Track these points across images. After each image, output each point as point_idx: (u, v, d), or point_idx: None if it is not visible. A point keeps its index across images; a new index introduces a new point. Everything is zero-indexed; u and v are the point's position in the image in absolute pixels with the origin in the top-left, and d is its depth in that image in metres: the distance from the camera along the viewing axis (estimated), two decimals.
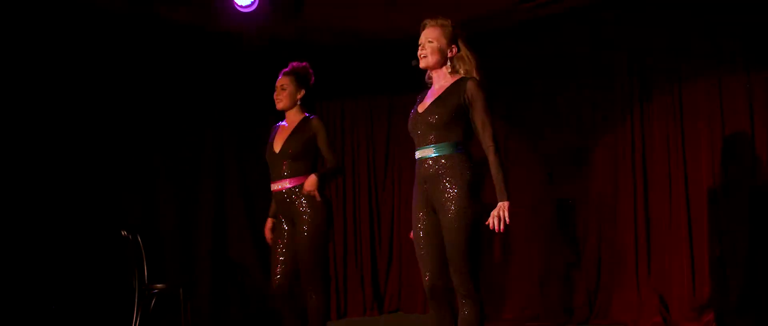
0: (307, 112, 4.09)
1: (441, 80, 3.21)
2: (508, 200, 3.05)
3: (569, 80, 5.75)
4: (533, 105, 5.93)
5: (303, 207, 3.91)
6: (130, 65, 5.63)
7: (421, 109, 3.20)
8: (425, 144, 3.13)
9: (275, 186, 4.00)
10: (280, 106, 4.06)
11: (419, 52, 3.22)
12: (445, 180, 3.07)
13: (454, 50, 3.19)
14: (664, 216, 5.24)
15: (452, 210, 3.05)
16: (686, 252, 5.06)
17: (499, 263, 6.01)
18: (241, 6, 4.90)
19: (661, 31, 5.30)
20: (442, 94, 3.15)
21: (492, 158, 3.07)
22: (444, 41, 3.18)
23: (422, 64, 3.22)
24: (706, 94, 5.06)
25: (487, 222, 3.06)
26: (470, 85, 3.09)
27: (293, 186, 3.93)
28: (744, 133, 4.88)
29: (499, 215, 3.04)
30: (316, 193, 3.81)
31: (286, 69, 4.08)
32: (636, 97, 5.45)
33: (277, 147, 4.00)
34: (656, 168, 5.31)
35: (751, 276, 4.75)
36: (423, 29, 3.23)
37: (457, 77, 3.18)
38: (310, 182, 3.81)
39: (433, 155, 3.11)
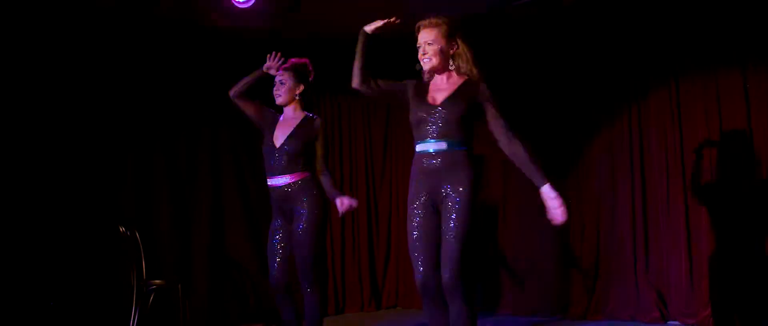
0: (307, 109, 4.12)
1: (447, 78, 3.24)
2: (548, 181, 3.07)
3: (566, 78, 5.76)
4: (530, 103, 5.93)
5: (299, 203, 3.92)
6: (126, 63, 5.62)
7: (431, 102, 3.20)
8: (434, 137, 3.14)
9: (272, 181, 4.01)
10: (278, 101, 4.10)
11: (420, 56, 3.24)
12: (451, 176, 3.09)
13: (455, 47, 3.21)
14: (662, 212, 5.25)
15: (456, 208, 3.05)
16: (684, 247, 5.07)
17: (497, 258, 6.02)
18: (238, 2, 4.90)
19: (658, 27, 5.30)
20: (456, 91, 3.18)
21: (522, 147, 3.11)
22: (443, 41, 3.20)
23: (427, 67, 3.24)
24: (703, 91, 5.07)
25: (552, 219, 3.05)
26: (484, 89, 3.16)
27: (291, 182, 3.95)
28: (741, 130, 4.89)
29: (557, 205, 3.03)
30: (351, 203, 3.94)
31: (286, 65, 4.10)
32: (633, 94, 5.45)
33: (278, 141, 4.02)
34: (654, 165, 5.32)
35: (748, 272, 4.76)
36: (418, 32, 3.25)
37: (463, 77, 3.20)
38: (347, 201, 3.93)
39: (440, 149, 3.12)
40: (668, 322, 5.16)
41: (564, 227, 5.67)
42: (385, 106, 6.68)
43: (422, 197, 3.17)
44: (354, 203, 3.95)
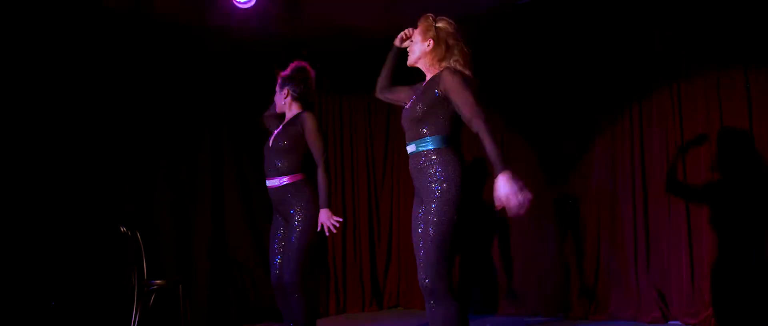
0: (302, 108, 4.12)
1: (429, 76, 3.22)
2: (507, 169, 2.83)
3: (568, 78, 5.75)
4: (532, 103, 5.93)
5: (292, 207, 3.92)
6: (127, 63, 5.62)
7: (408, 105, 3.22)
8: (410, 139, 3.15)
9: (267, 182, 4.05)
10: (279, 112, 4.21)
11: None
12: (430, 175, 3.04)
13: (430, 44, 3.18)
14: (663, 212, 5.25)
15: (431, 208, 3.01)
16: (685, 248, 5.07)
17: (498, 259, 6.02)
18: (239, 3, 4.89)
19: (659, 28, 5.29)
20: (423, 90, 3.16)
21: (481, 135, 2.90)
22: (419, 38, 3.21)
23: (408, 63, 3.28)
24: (704, 91, 5.06)
25: (497, 208, 2.83)
26: (443, 75, 3.05)
27: (284, 184, 3.96)
28: (742, 130, 4.89)
29: (510, 195, 2.78)
30: (333, 222, 3.86)
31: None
32: (635, 94, 5.45)
33: (270, 142, 4.07)
34: (655, 166, 5.32)
35: (749, 273, 4.76)
36: None
37: (437, 71, 3.16)
38: (324, 218, 3.87)
39: (416, 150, 3.11)
40: (669, 322, 5.16)
41: (566, 228, 5.75)
42: (386, 107, 6.68)
43: (416, 198, 3.19)
44: (329, 223, 3.87)
